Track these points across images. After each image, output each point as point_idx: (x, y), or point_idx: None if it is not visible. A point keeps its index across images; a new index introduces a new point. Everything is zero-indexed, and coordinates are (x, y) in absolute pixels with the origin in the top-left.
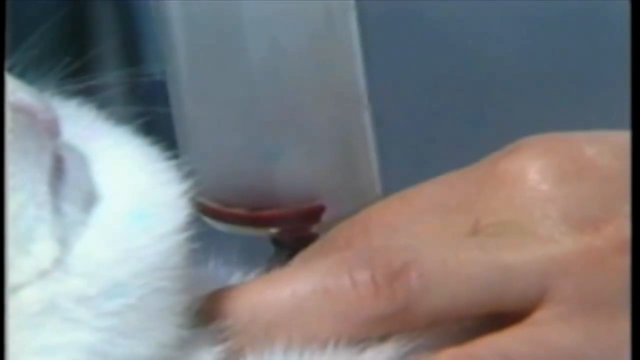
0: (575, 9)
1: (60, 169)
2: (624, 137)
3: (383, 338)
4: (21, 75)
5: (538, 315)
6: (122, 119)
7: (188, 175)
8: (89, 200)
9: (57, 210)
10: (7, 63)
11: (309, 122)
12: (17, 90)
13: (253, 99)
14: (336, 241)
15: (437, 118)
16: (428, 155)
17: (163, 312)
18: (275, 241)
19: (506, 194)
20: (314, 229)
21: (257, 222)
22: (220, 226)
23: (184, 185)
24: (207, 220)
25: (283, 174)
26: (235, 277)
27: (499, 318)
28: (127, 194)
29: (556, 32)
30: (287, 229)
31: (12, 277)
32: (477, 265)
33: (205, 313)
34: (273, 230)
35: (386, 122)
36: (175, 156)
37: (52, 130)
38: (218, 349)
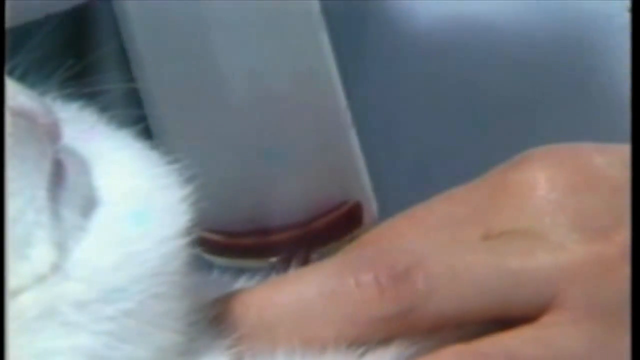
0: (577, 12)
1: (60, 174)
2: None
3: (384, 343)
4: (22, 78)
5: (546, 319)
6: (123, 123)
7: (189, 180)
8: (89, 205)
9: (55, 215)
10: (8, 66)
11: (292, 147)
12: (17, 94)
13: (235, 128)
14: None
15: (432, 132)
16: (424, 170)
17: (163, 317)
18: (275, 269)
19: (517, 203)
20: (316, 255)
21: (244, 251)
22: (216, 261)
23: (185, 190)
24: (204, 255)
25: (268, 199)
26: (239, 283)
27: (502, 324)
28: (127, 198)
29: (560, 34)
30: (280, 259)
31: (11, 281)
32: (484, 269)
33: (212, 316)
34: (270, 260)
35: (377, 141)
36: (176, 160)
37: (52, 134)
38: (224, 354)
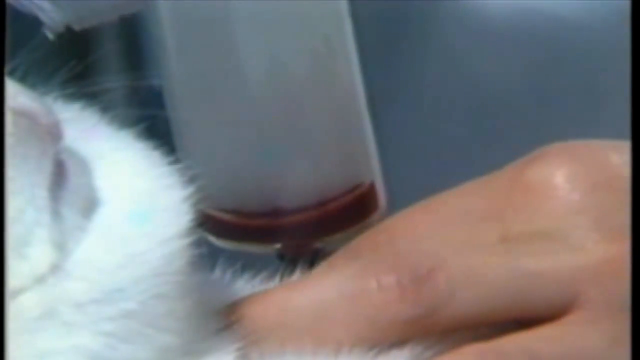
0: (579, 13)
1: (61, 174)
2: None
3: (398, 345)
4: (23, 79)
5: (566, 319)
6: (124, 123)
7: (191, 179)
8: (90, 205)
9: (56, 215)
10: (9, 66)
11: (309, 131)
12: (18, 94)
13: (253, 117)
14: (361, 250)
15: (441, 126)
16: (433, 164)
17: (164, 318)
18: (281, 256)
19: (536, 203)
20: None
21: (254, 233)
22: (223, 244)
23: (187, 190)
24: (211, 238)
25: (282, 184)
26: (241, 282)
27: (518, 325)
28: (129, 198)
29: (563, 36)
30: (289, 244)
31: (11, 281)
32: (505, 271)
33: (231, 319)
34: (277, 246)
35: (389, 132)
36: (178, 160)
37: (54, 134)
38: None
